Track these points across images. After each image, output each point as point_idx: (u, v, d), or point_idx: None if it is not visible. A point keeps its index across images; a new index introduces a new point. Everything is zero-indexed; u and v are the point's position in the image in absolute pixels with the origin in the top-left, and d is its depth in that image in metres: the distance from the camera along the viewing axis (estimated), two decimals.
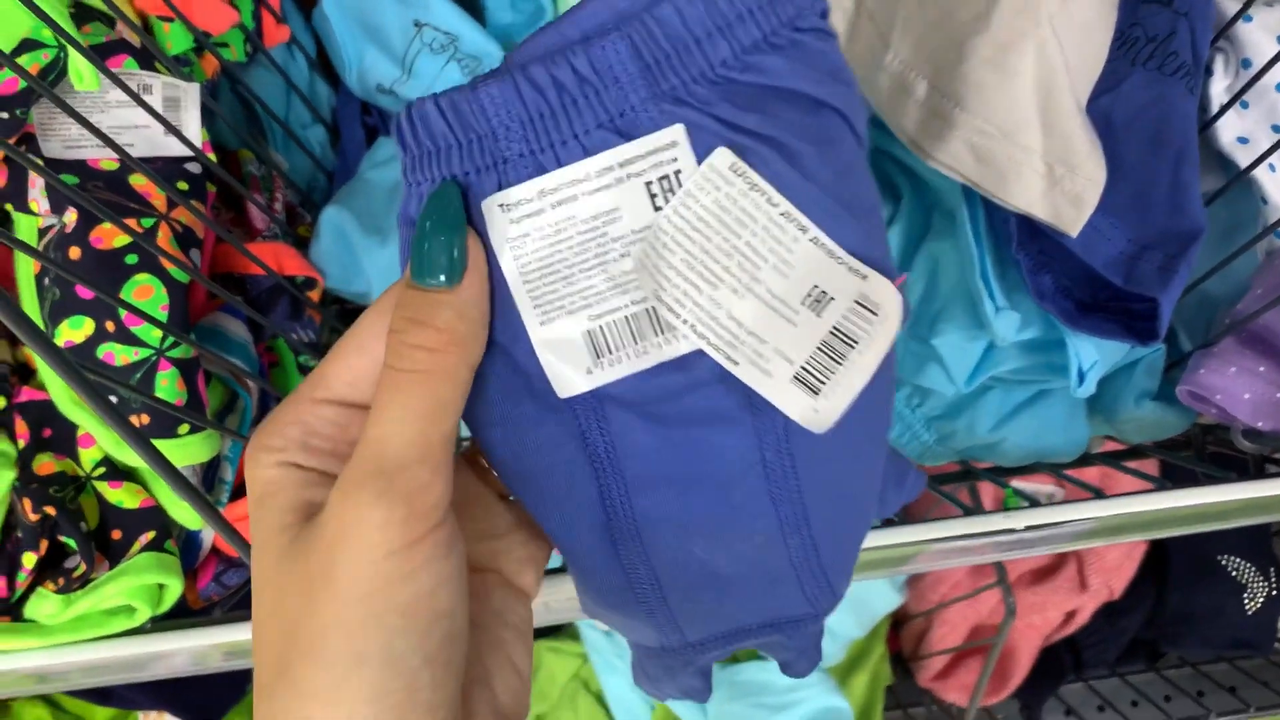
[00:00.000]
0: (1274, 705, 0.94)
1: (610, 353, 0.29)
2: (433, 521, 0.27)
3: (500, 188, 0.27)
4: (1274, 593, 0.90)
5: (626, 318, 0.28)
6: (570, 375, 0.29)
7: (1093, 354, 0.53)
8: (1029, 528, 0.51)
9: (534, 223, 0.28)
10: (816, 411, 0.28)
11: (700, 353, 0.28)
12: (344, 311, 0.62)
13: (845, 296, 0.28)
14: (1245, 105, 0.55)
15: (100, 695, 0.78)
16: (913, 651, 0.95)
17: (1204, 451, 0.57)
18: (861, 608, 0.84)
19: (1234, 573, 0.90)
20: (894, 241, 0.55)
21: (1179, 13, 0.51)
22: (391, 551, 0.26)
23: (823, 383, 0.28)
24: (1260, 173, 0.55)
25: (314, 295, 0.58)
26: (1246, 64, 0.54)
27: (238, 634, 0.50)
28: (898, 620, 0.97)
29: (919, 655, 0.93)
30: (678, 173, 0.27)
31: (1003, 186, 0.48)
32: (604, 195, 0.27)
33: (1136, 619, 0.92)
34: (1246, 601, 0.90)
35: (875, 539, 0.50)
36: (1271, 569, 0.91)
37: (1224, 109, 0.54)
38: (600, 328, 0.28)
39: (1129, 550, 0.86)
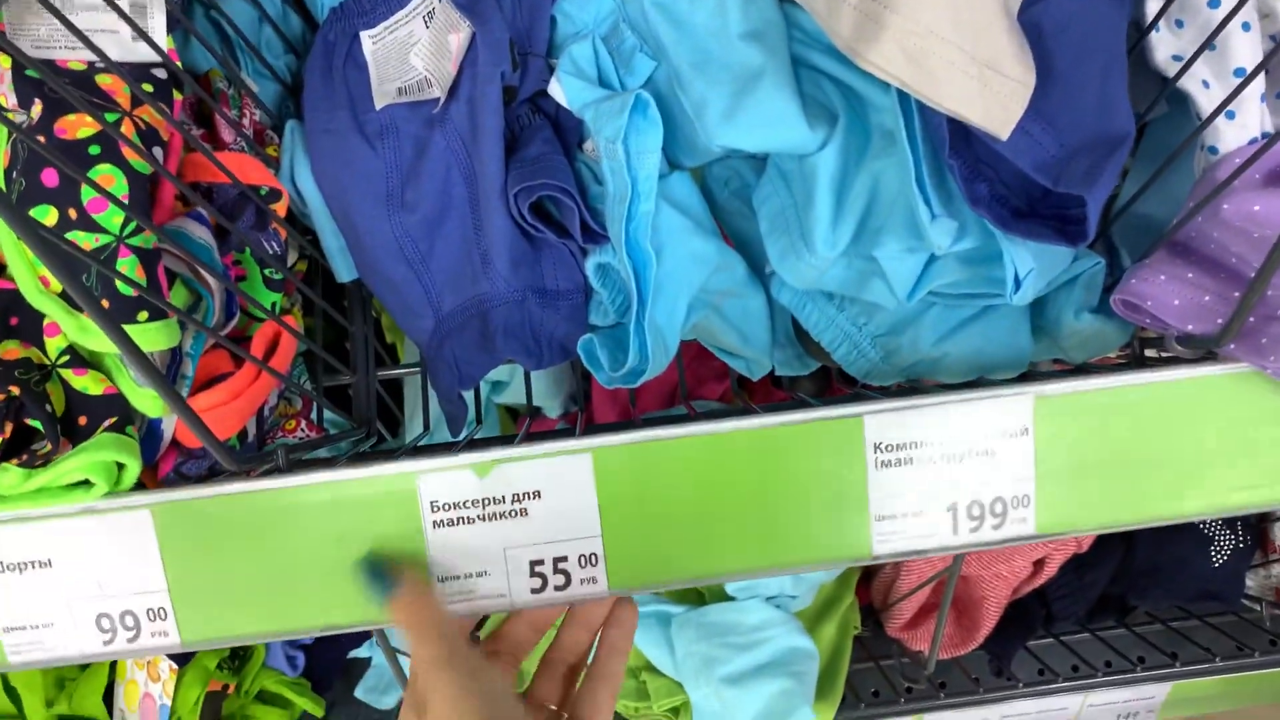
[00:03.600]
0: (1245, 659, 0.95)
1: (405, 95, 0.60)
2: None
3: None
4: (1240, 545, 0.91)
5: (415, 83, 0.60)
6: (385, 98, 0.59)
7: (1028, 261, 0.54)
8: (966, 399, 0.52)
9: (381, 42, 0.57)
10: None
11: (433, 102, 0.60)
12: (308, 230, 0.64)
13: None
14: (1180, 24, 0.57)
15: None
16: (882, 603, 0.96)
17: (1143, 363, 0.58)
18: None
19: (1200, 525, 0.90)
20: (832, 161, 0.56)
21: None
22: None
23: None
24: (1194, 89, 0.56)
25: (279, 209, 0.60)
26: None
27: (174, 495, 0.52)
28: (868, 572, 0.98)
29: (888, 605, 0.94)
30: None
31: (934, 88, 0.49)
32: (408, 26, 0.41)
33: (1105, 573, 0.92)
34: (1214, 554, 0.90)
35: (799, 415, 0.52)
36: (1238, 521, 0.92)
37: (1154, 22, 0.56)
38: (401, 86, 0.60)
39: None
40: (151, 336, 0.50)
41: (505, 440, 0.56)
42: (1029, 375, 0.59)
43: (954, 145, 0.53)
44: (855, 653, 0.93)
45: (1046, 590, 0.93)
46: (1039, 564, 0.90)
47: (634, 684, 0.90)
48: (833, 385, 0.91)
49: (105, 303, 0.49)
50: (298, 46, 0.66)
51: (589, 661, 0.57)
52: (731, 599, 0.87)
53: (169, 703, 0.85)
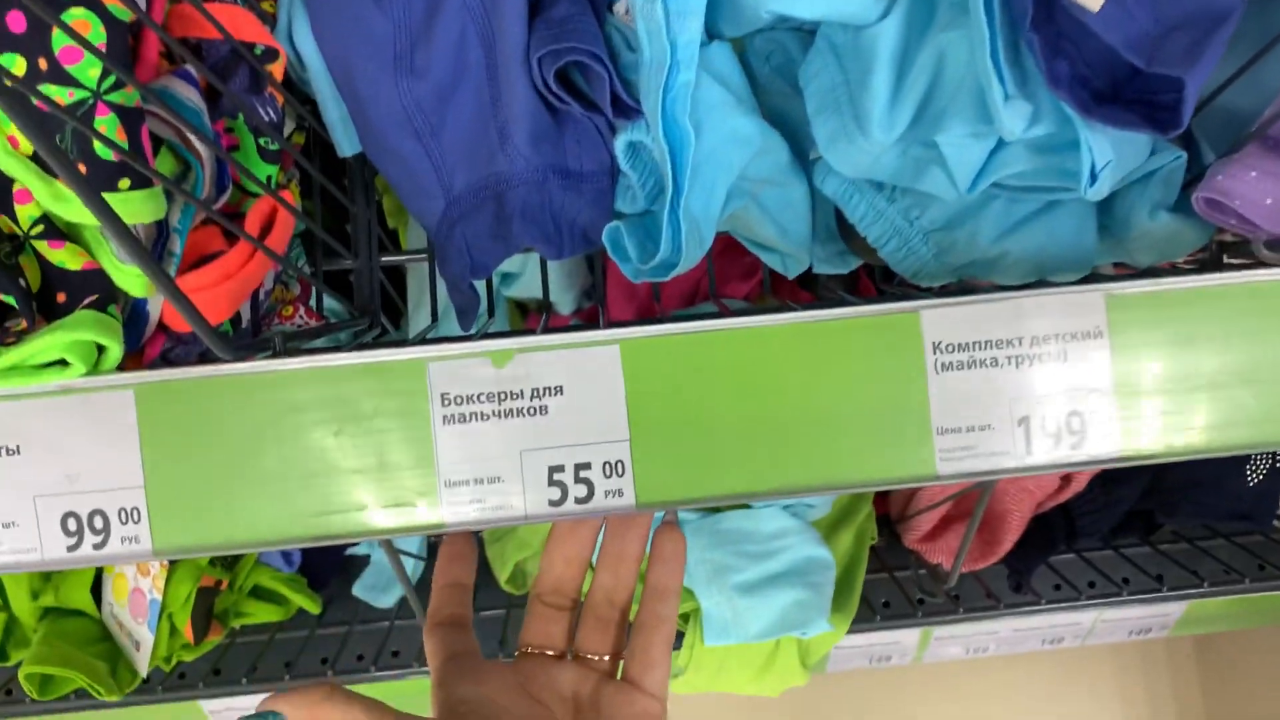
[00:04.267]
0: (1270, 580, 0.93)
1: None
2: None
3: None
4: (1277, 465, 0.87)
5: None
6: None
7: (1107, 151, 0.49)
8: (1029, 294, 0.48)
9: None
10: None
11: None
12: (307, 98, 0.58)
13: None
14: None
15: None
16: (900, 514, 0.93)
17: (1221, 269, 0.53)
18: None
19: None
20: (893, 33, 0.50)
21: None
22: None
23: None
24: None
25: (276, 70, 0.54)
26: None
27: (161, 375, 0.47)
28: None
29: (906, 516, 0.91)
30: None
31: None
32: None
33: (1134, 489, 0.89)
34: (1249, 473, 0.87)
35: (853, 311, 0.47)
36: None
37: None
38: None
39: None
40: (135, 207, 0.45)
41: (524, 332, 0.51)
42: (1094, 277, 0.54)
43: (1039, 15, 0.47)
44: (870, 564, 0.91)
45: (1071, 506, 0.90)
46: (1066, 479, 0.86)
47: (641, 588, 0.88)
48: (861, 289, 0.86)
49: (82, 167, 0.44)
50: None
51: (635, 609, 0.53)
52: (747, 506, 0.83)
53: (159, 598, 0.82)
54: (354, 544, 1.02)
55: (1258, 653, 1.38)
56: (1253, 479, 0.87)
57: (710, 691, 0.93)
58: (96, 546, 0.48)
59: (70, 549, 0.48)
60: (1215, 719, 1.39)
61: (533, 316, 0.88)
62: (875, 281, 0.84)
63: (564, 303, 0.83)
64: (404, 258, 0.68)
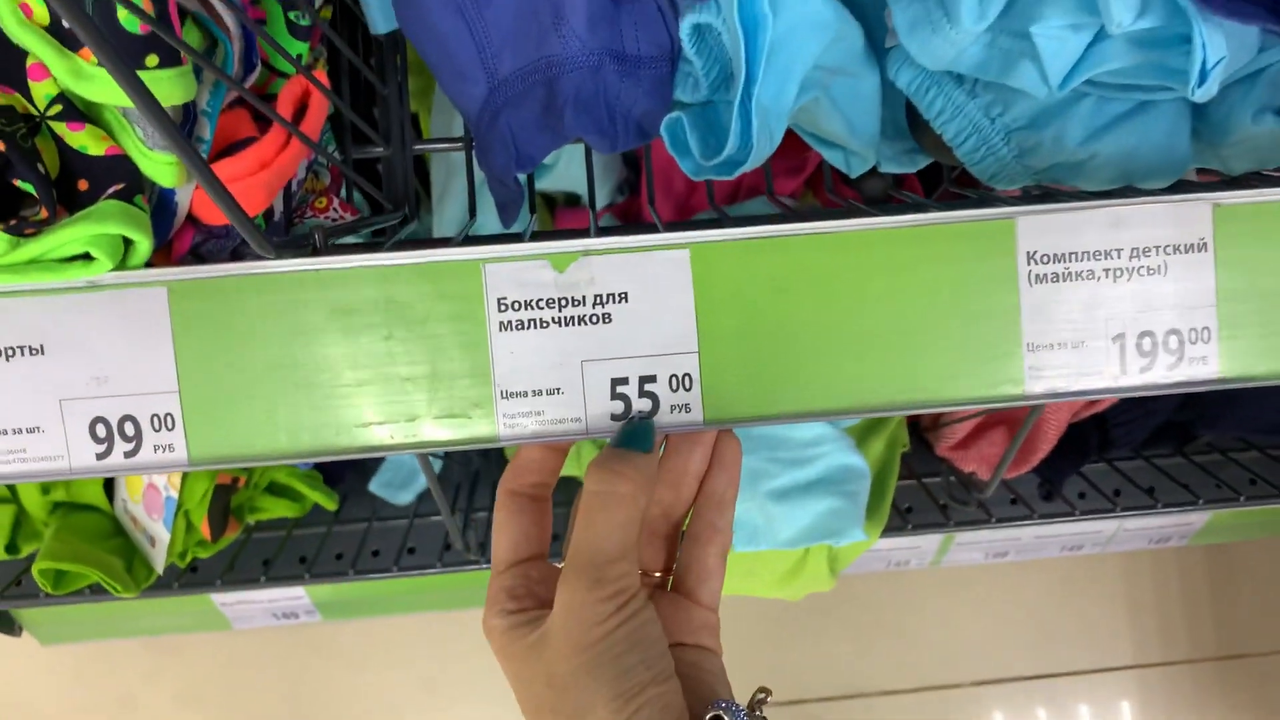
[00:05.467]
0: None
1: None
2: (632, 594, 0.42)
3: None
4: None
5: None
6: None
7: (1221, 47, 0.45)
8: (1129, 206, 0.44)
9: None
10: None
11: None
12: None
13: None
14: None
15: None
16: (932, 422, 0.91)
17: None
18: None
19: None
20: None
21: None
22: (611, 614, 0.41)
23: None
24: None
25: None
26: None
27: (199, 272, 0.44)
28: None
29: (940, 425, 0.89)
30: None
31: None
32: None
33: (1171, 400, 0.87)
34: None
35: (946, 216, 0.44)
36: None
37: None
38: None
39: None
40: (164, 86, 0.41)
41: (578, 234, 0.48)
42: (1195, 185, 0.51)
43: None
44: (900, 471, 0.89)
45: (1106, 416, 0.88)
46: None
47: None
48: (907, 185, 0.82)
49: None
50: None
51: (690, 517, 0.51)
52: None
53: (175, 495, 0.80)
54: None
55: (1269, 561, 1.39)
56: None
57: (732, 595, 0.93)
58: (128, 454, 0.45)
59: (100, 456, 0.46)
60: (1223, 625, 1.41)
61: (561, 210, 0.83)
62: (943, 183, 0.80)
63: (599, 196, 0.79)
64: (440, 145, 0.64)
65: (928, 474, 0.95)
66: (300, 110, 0.50)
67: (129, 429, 0.46)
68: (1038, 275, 0.44)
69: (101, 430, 0.45)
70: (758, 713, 0.44)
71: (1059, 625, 1.40)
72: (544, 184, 0.79)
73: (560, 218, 0.84)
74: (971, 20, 0.47)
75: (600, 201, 0.79)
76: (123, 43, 0.40)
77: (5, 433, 0.45)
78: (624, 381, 0.45)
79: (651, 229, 0.46)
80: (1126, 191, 0.50)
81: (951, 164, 0.56)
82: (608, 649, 0.41)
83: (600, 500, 0.43)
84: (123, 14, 0.39)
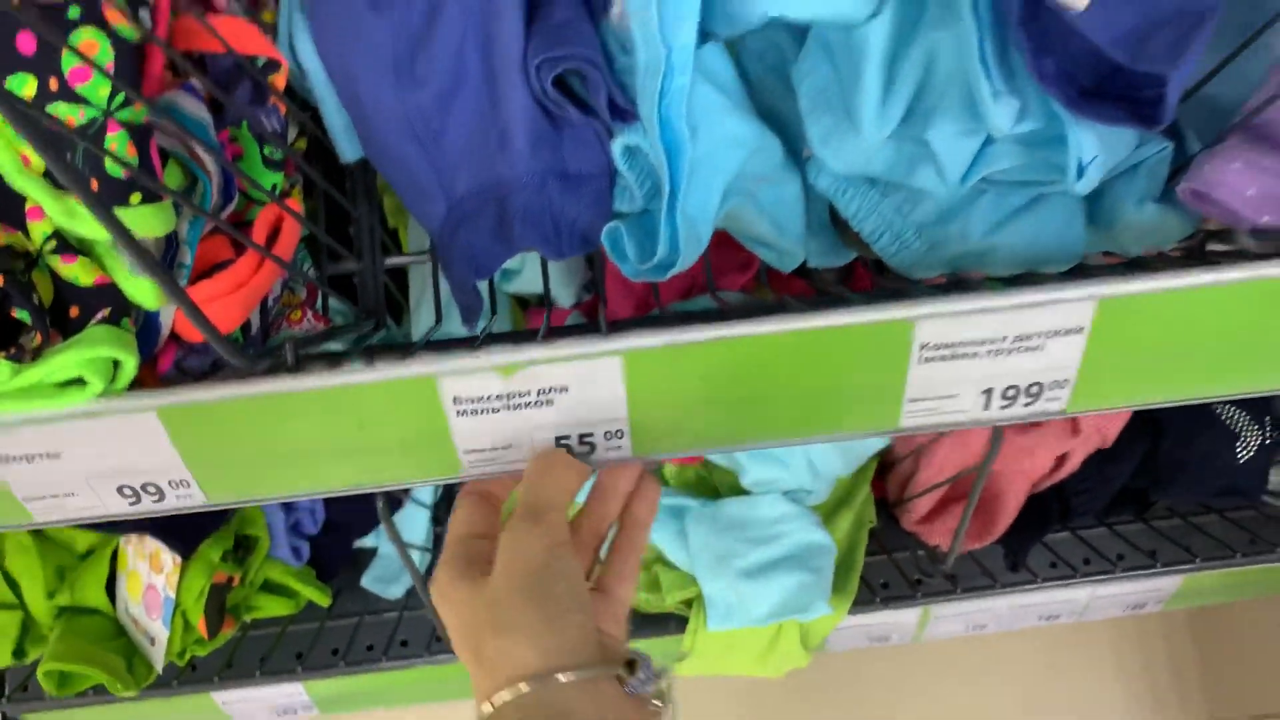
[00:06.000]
0: (1262, 554, 0.94)
1: None
2: (563, 540, 0.51)
3: None
4: (1267, 441, 0.89)
5: None
6: None
7: (1094, 145, 0.50)
8: (1018, 305, 0.49)
9: None
10: None
11: None
12: (307, 105, 0.59)
13: None
14: None
15: None
16: (898, 497, 0.94)
17: (1205, 258, 0.55)
18: (848, 445, 0.83)
19: (1228, 420, 0.88)
20: (884, 32, 0.51)
21: None
22: (545, 549, 0.49)
23: None
24: None
25: (278, 81, 0.55)
26: None
27: (182, 396, 0.49)
28: (884, 465, 0.96)
29: (905, 499, 0.92)
30: None
31: None
32: None
33: (1127, 467, 0.91)
34: (1239, 449, 0.89)
35: (845, 317, 0.49)
36: (1266, 417, 0.90)
37: None
38: None
39: None
40: (145, 221, 0.46)
41: (527, 335, 0.52)
42: (1081, 269, 0.55)
43: (1026, 14, 0.48)
44: (869, 545, 0.92)
45: (1065, 485, 0.92)
46: (1061, 459, 0.88)
47: (646, 576, 0.89)
48: (856, 273, 0.87)
49: (94, 184, 0.45)
50: None
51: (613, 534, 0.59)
52: (747, 493, 0.85)
53: (173, 595, 0.84)
54: (363, 534, 1.04)
55: (1252, 624, 1.40)
56: (1243, 455, 0.89)
57: (714, 675, 0.95)
58: (155, 503, 0.54)
59: (131, 505, 0.54)
60: (1211, 689, 1.41)
61: (533, 311, 0.89)
62: (869, 269, 0.85)
63: (564, 297, 0.84)
64: (407, 259, 0.69)
65: (898, 548, 0.98)
66: (274, 234, 0.56)
67: (152, 489, 0.53)
68: (927, 358, 0.49)
69: (129, 491, 0.52)
70: (663, 678, 0.51)
71: (1048, 696, 1.40)
72: (513, 288, 0.84)
73: (531, 317, 0.89)
74: (873, 129, 0.53)
75: (567, 301, 0.84)
76: (109, 184, 0.45)
77: (43, 497, 0.51)
78: (566, 438, 0.51)
79: (589, 331, 0.51)
80: (1026, 278, 0.54)
81: (872, 257, 0.60)
82: (541, 577, 0.49)
83: (547, 463, 0.53)
84: (109, 160, 0.45)
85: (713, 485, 0.88)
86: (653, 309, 0.84)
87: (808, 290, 0.85)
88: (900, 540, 0.98)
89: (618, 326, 0.52)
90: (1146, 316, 0.49)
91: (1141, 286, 0.49)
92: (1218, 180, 0.51)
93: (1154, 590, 1.02)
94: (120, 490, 0.53)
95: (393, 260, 0.67)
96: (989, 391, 0.50)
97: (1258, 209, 0.50)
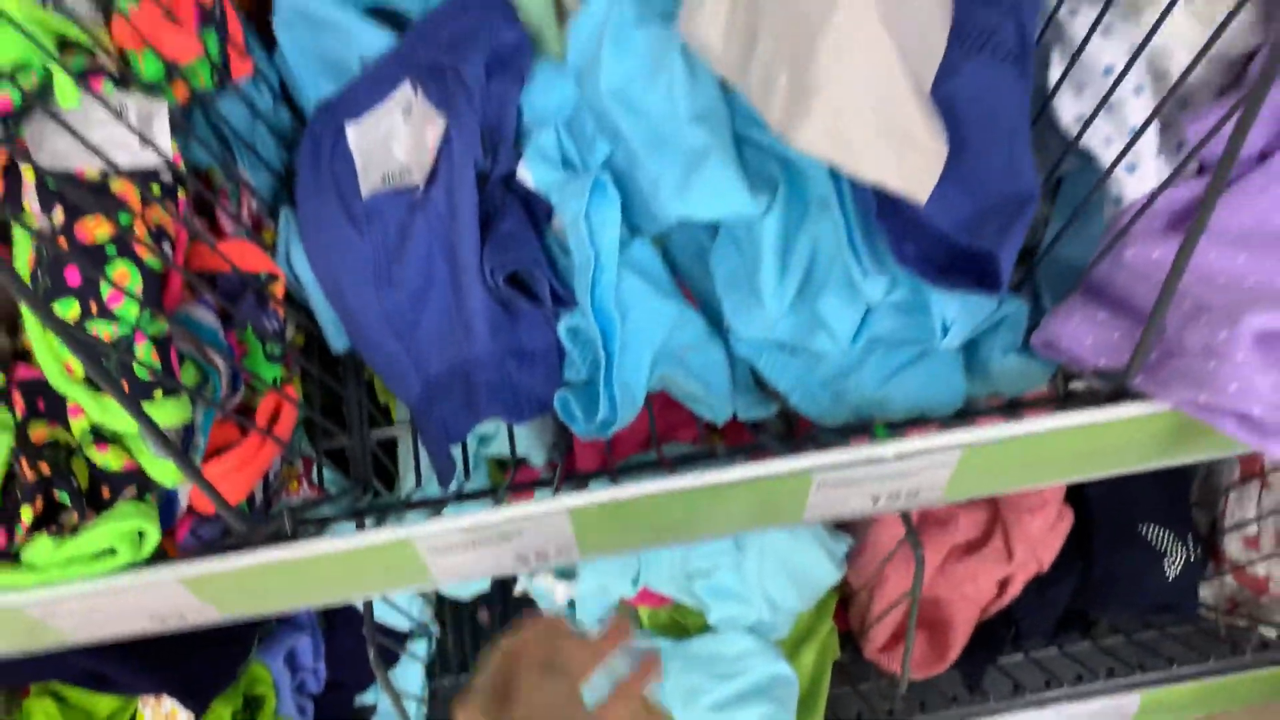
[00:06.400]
0: (1201, 668, 1.00)
1: (389, 182, 0.66)
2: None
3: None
4: (1192, 559, 0.96)
5: (397, 170, 0.66)
6: (370, 186, 0.66)
7: (954, 309, 0.60)
8: (898, 456, 0.58)
9: (365, 134, 0.67)
10: None
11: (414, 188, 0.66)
12: (305, 309, 0.70)
13: None
14: (1082, 87, 0.63)
15: (99, 682, 0.85)
16: (860, 626, 1.01)
17: (1064, 395, 0.64)
18: (802, 580, 0.90)
19: (1153, 540, 0.96)
20: (775, 226, 0.62)
21: (1006, 9, 0.59)
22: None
23: None
24: (1097, 146, 0.62)
25: (277, 289, 0.66)
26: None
27: (201, 568, 0.57)
28: (845, 598, 1.03)
29: (865, 629, 0.98)
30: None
31: (856, 162, 0.55)
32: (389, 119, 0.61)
33: (1066, 590, 0.97)
34: (1167, 568, 0.96)
35: (754, 470, 0.57)
36: (1189, 535, 0.97)
37: (1056, 88, 0.62)
38: (385, 174, 0.66)
39: (1053, 522, 0.92)
40: (166, 413, 0.55)
41: (491, 491, 0.61)
42: (965, 411, 0.64)
43: (883, 208, 0.59)
44: (836, 677, 0.98)
45: (1012, 609, 0.98)
46: (1003, 584, 0.95)
47: None
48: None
49: (125, 385, 0.54)
50: (289, 139, 0.73)
51: None
52: (712, 629, 0.92)
53: None
54: (363, 691, 1.09)
55: None
56: (1171, 573, 0.96)
57: None
58: (179, 622, 0.64)
59: (161, 624, 0.64)
60: None
61: (509, 471, 0.98)
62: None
63: (536, 455, 0.93)
64: (391, 431, 0.79)
65: (864, 679, 1.04)
66: (275, 417, 0.65)
67: (174, 616, 0.63)
68: (824, 487, 0.58)
69: (155, 615, 0.63)
70: None
71: None
72: (491, 451, 0.93)
73: (508, 475, 0.98)
74: (774, 304, 0.63)
75: (540, 458, 0.93)
76: (137, 385, 0.55)
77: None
78: (524, 553, 0.59)
79: (544, 485, 0.60)
80: (917, 422, 0.64)
81: (791, 410, 0.70)
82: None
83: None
84: (137, 365, 0.55)
85: (684, 626, 0.95)
86: (616, 459, 0.93)
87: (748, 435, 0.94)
88: (867, 671, 1.04)
89: (569, 480, 0.61)
90: (1002, 448, 0.58)
91: (1000, 433, 0.58)
92: (1061, 332, 0.60)
93: (1117, 708, 1.07)
94: (149, 617, 0.63)
95: (377, 433, 0.77)
96: (876, 497, 0.60)
97: (1096, 354, 0.59)
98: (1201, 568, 0.98)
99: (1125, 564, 0.95)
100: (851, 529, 0.96)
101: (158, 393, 0.55)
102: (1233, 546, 0.98)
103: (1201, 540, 0.99)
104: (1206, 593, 1.04)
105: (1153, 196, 0.58)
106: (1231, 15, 0.51)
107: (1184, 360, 0.56)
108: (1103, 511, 0.95)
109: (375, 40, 0.68)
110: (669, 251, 0.72)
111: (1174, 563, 0.96)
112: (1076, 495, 0.96)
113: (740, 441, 0.79)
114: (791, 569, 0.88)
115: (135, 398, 0.55)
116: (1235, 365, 0.53)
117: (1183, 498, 0.99)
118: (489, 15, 0.66)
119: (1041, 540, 0.92)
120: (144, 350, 0.55)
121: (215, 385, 0.61)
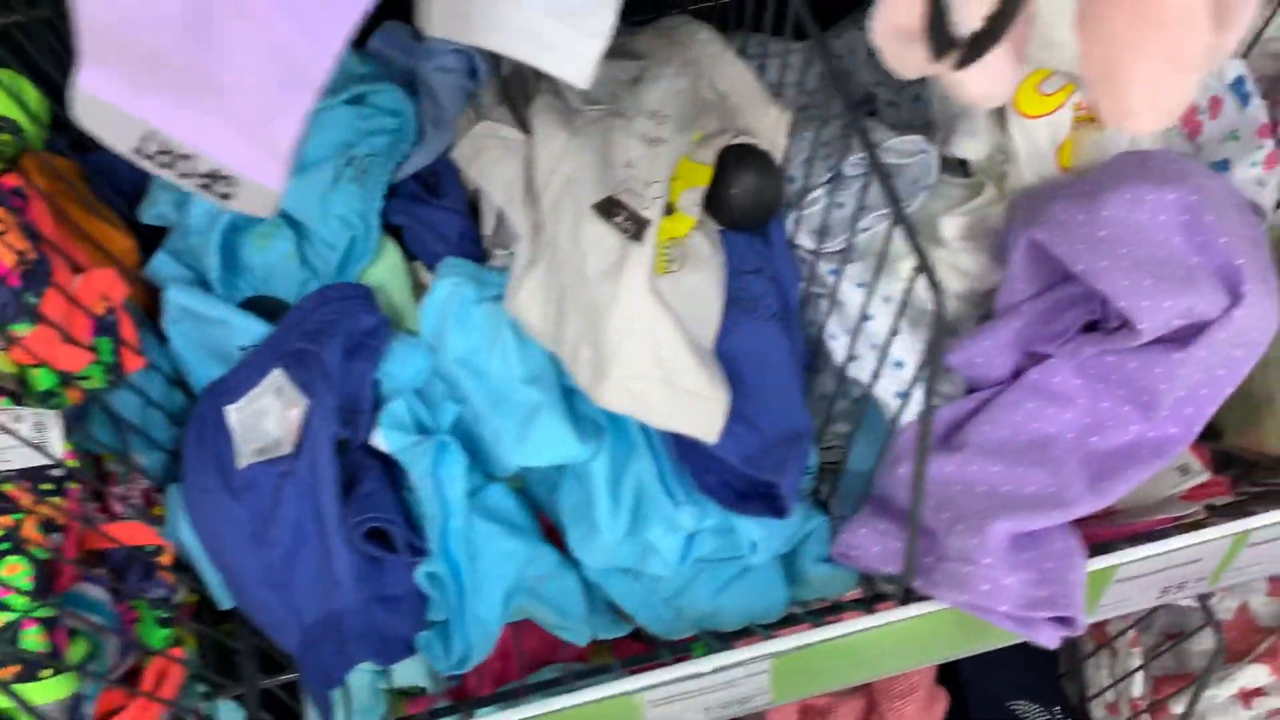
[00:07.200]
0: None
1: (263, 455, 0.73)
2: None
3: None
4: None
5: (270, 443, 0.74)
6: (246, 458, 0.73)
7: (756, 530, 0.69)
8: (716, 669, 0.65)
9: (242, 413, 0.72)
10: None
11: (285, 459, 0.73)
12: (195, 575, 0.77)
13: None
14: (852, 333, 0.74)
15: None
16: None
17: (872, 596, 0.72)
18: None
19: (1023, 716, 1.02)
20: (604, 467, 0.71)
21: (769, 278, 0.71)
22: None
23: None
24: (866, 379, 0.73)
25: (165, 560, 0.73)
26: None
27: None
28: None
29: None
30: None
31: (651, 414, 0.66)
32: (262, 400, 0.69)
33: None
34: None
35: (581, 696, 0.64)
36: (1058, 707, 1.03)
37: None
38: (259, 447, 0.73)
39: (927, 704, 0.98)
40: (53, 689, 0.61)
41: None
42: (787, 619, 0.72)
43: (682, 448, 0.69)
44: None
45: None
46: None
47: None
48: None
49: (13, 670, 0.61)
50: (182, 418, 0.82)
51: None
52: None
53: None
54: None
55: None
56: None
57: None
58: None
59: None
60: None
61: (410, 701, 1.02)
62: None
63: (433, 684, 0.98)
64: (283, 678, 0.84)
65: None
66: (163, 678, 0.71)
67: None
68: (655, 702, 0.64)
69: None
70: None
71: None
72: (388, 684, 0.98)
73: (410, 704, 1.03)
74: (610, 534, 0.71)
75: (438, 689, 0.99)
76: (25, 664, 0.61)
77: None
78: None
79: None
80: (741, 633, 0.71)
81: (639, 627, 0.77)
82: None
83: None
84: (26, 641, 0.61)
85: None
86: (515, 677, 0.99)
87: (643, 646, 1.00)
88: None
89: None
90: (811, 652, 0.66)
91: (804, 640, 0.65)
92: (851, 542, 0.69)
93: None
94: None
95: (265, 683, 0.82)
96: (708, 708, 0.66)
97: (882, 561, 0.68)
98: None
99: None
100: None
101: (46, 671, 0.62)
102: (1098, 714, 1.04)
103: (1072, 711, 1.05)
104: None
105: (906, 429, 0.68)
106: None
107: (949, 565, 0.64)
108: (974, 690, 1.01)
109: (252, 330, 0.79)
110: (531, 490, 0.80)
111: None
112: (951, 675, 1.02)
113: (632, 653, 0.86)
114: None
115: (22, 679, 0.61)
116: (984, 568, 0.62)
117: (1050, 671, 1.06)
118: (349, 305, 0.77)
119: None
120: (32, 634, 0.62)
121: (103, 656, 0.67)
